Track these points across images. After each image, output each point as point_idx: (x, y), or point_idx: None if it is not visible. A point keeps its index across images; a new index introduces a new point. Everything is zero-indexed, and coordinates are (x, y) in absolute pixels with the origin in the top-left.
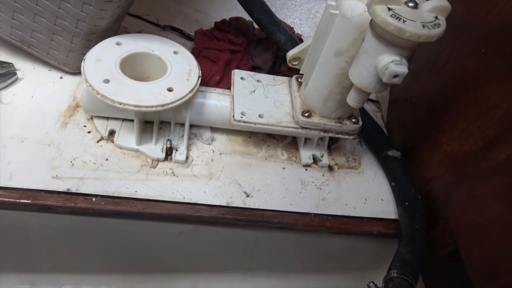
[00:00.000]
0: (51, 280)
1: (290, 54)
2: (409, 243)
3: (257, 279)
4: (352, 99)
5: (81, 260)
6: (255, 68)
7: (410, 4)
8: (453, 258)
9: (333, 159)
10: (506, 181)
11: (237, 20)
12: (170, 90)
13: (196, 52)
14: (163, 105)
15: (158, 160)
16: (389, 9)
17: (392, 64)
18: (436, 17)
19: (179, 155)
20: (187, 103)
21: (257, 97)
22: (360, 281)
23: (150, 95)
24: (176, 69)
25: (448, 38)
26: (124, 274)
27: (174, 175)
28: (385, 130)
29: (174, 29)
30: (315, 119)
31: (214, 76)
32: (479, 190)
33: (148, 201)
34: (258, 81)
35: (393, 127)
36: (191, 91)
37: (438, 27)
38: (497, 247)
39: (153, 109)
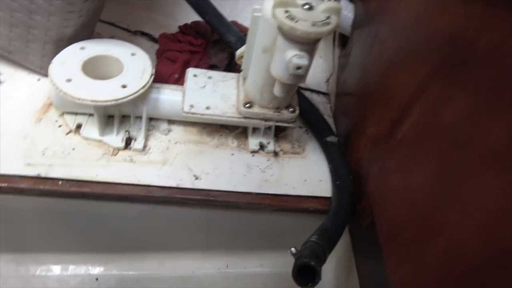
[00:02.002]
0: (34, 259)
1: (238, 52)
2: (333, 215)
3: (216, 257)
4: (277, 90)
5: (55, 240)
6: (213, 67)
7: (305, 7)
8: (372, 227)
9: (279, 146)
10: (403, 154)
11: (197, 24)
12: (124, 86)
13: (159, 54)
14: (116, 100)
15: (119, 149)
16: (286, 11)
17: (294, 57)
18: (329, 17)
19: (137, 144)
20: (142, 98)
21: (207, 91)
22: None
23: (106, 91)
24: (132, 68)
25: (369, 35)
26: (95, 253)
27: (132, 161)
28: (332, 119)
29: (143, 34)
30: (255, 110)
31: (173, 74)
32: (387, 165)
33: (107, 184)
34: (209, 77)
35: (338, 116)
36: (143, 87)
37: (328, 25)
38: (396, 213)
39: (108, 103)
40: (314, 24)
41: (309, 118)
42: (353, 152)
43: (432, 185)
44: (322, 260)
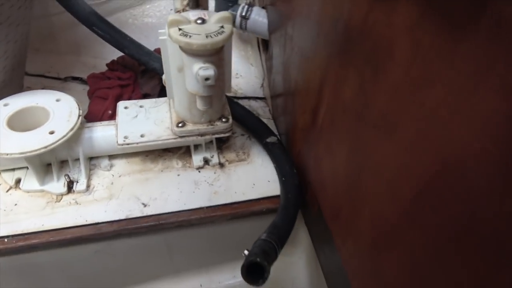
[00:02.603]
0: None
1: (163, 77)
2: (282, 210)
3: (188, 279)
4: (199, 104)
5: None
6: (146, 96)
7: (198, 21)
8: (320, 214)
9: (224, 156)
10: (326, 139)
11: (123, 58)
12: (52, 132)
13: (90, 94)
14: (45, 147)
15: (62, 194)
16: (180, 29)
17: (200, 70)
18: (222, 26)
19: (80, 185)
20: (76, 140)
21: (139, 120)
22: (281, 258)
23: (34, 141)
24: (58, 114)
25: (281, 35)
26: None
27: (77, 203)
28: (272, 121)
29: (74, 78)
30: (189, 127)
31: (106, 111)
32: (318, 152)
33: (54, 231)
34: (141, 106)
35: (277, 117)
36: (71, 129)
37: (222, 34)
38: (332, 195)
39: (37, 152)
40: (208, 35)
41: (247, 124)
42: (293, 147)
43: (350, 160)
44: (271, 256)
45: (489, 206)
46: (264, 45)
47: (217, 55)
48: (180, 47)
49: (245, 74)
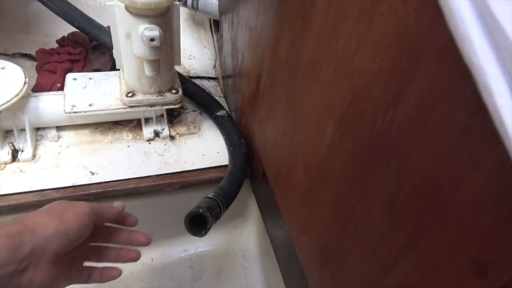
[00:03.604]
0: None
1: (114, 51)
2: (229, 175)
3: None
4: (146, 70)
5: None
6: (96, 71)
7: None
8: (265, 177)
9: (175, 130)
10: (268, 101)
11: (74, 34)
12: None
13: (39, 68)
14: None
15: (5, 163)
16: None
17: (145, 30)
18: None
19: (25, 154)
20: (21, 108)
21: (88, 91)
22: (232, 231)
23: None
24: (2, 80)
25: (230, 12)
26: None
27: (22, 171)
28: (223, 99)
29: (23, 55)
30: (138, 97)
31: (55, 84)
32: (261, 117)
33: None
34: (90, 78)
35: (228, 95)
36: (16, 95)
37: None
38: (274, 155)
39: None
40: None
41: (198, 100)
42: (241, 119)
43: (286, 116)
44: (215, 210)
45: (387, 118)
46: (216, 26)
47: (163, 17)
48: (126, 8)
49: (198, 56)
